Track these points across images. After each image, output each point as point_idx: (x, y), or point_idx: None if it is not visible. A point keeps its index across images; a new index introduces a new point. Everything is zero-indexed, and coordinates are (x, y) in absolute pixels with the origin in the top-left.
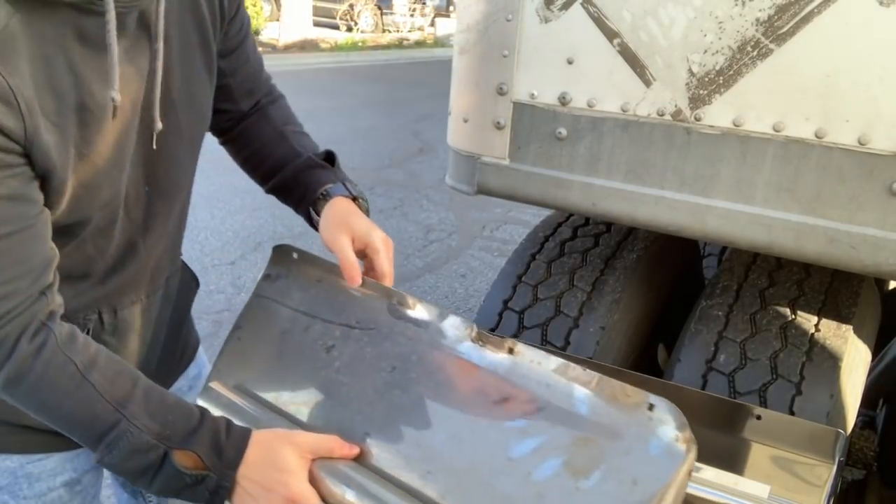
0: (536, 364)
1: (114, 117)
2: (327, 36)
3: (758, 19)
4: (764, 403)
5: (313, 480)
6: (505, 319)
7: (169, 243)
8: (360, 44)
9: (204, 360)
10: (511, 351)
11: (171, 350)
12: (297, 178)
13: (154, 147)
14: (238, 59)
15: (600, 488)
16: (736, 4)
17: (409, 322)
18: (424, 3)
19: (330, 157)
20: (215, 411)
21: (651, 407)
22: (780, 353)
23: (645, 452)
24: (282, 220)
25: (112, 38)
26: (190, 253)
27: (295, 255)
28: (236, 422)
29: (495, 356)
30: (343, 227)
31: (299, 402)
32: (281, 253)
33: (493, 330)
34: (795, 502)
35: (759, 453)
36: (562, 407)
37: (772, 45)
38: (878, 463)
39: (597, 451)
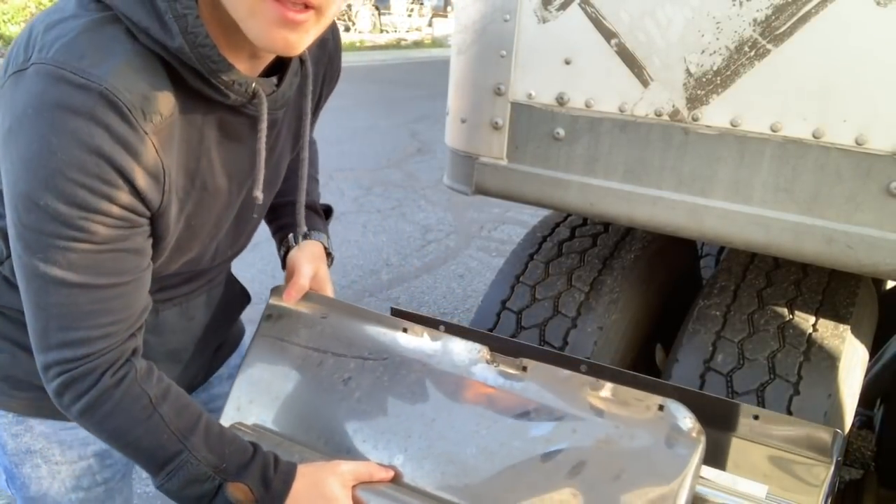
0: (549, 378)
1: (254, 214)
2: None
3: (755, 19)
4: (762, 403)
5: None
6: (503, 320)
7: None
8: (357, 44)
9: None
10: (524, 369)
11: (206, 353)
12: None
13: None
14: None
15: (628, 483)
16: (733, 5)
17: (420, 349)
18: (422, 4)
19: (328, 211)
20: None
21: (661, 407)
22: (777, 353)
23: (662, 447)
24: None
25: (262, 144)
26: None
27: None
28: None
29: (509, 374)
30: (315, 262)
31: (326, 434)
32: (280, 293)
33: (490, 330)
34: (793, 502)
35: (756, 453)
36: (579, 415)
37: (769, 46)
38: (876, 462)
39: (618, 451)
